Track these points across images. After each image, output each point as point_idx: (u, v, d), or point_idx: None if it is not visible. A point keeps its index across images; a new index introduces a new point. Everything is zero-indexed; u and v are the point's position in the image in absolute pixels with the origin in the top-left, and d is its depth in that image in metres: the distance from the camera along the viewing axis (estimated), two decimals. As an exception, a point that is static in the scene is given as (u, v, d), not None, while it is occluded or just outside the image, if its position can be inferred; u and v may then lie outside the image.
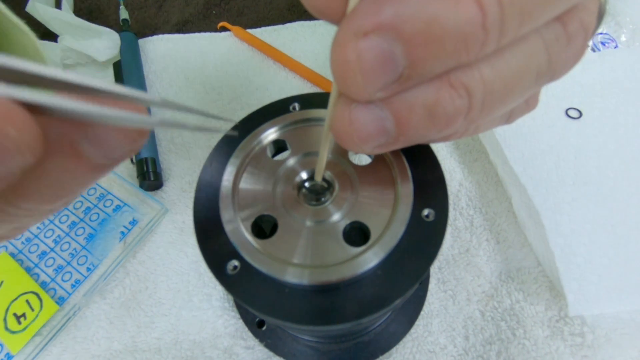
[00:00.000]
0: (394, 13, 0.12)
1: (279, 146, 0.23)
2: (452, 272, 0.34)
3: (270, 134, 0.22)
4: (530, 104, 0.19)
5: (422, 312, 0.32)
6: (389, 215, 0.19)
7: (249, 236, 0.19)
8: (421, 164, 0.21)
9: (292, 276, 0.17)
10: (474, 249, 0.35)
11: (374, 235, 0.19)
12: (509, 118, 0.19)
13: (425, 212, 0.19)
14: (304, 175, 0.21)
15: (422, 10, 0.12)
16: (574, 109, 0.37)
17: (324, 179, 0.21)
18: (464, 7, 0.12)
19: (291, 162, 0.22)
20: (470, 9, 0.12)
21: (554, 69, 0.15)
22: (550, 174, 0.33)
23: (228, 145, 0.22)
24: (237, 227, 0.19)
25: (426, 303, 0.33)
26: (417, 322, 0.32)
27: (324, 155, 0.18)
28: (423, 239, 0.19)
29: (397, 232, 0.18)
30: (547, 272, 0.32)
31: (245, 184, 0.21)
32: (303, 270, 0.17)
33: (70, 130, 0.12)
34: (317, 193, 0.21)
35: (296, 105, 0.23)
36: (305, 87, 0.47)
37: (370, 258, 0.18)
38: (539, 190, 0.32)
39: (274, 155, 0.23)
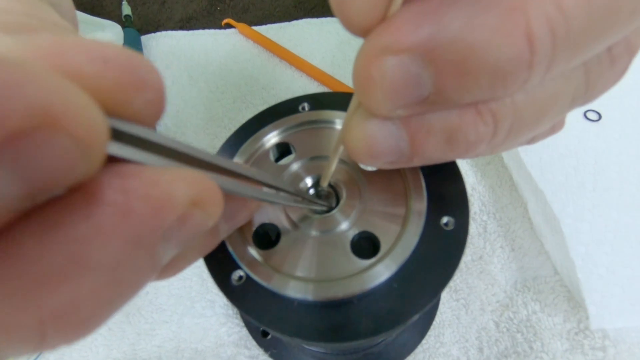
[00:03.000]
0: (430, 36, 0.10)
1: (282, 150, 0.21)
2: (464, 280, 0.33)
3: (274, 137, 0.21)
4: (556, 127, 0.17)
5: (433, 322, 0.31)
6: (401, 225, 0.18)
7: (249, 246, 0.18)
8: (436, 167, 0.19)
9: (295, 291, 0.16)
10: (487, 256, 0.34)
11: (384, 246, 0.17)
12: (531, 140, 0.18)
13: (444, 219, 0.18)
14: (309, 181, 0.20)
15: (463, 37, 0.10)
16: (593, 111, 0.36)
17: (330, 185, 0.19)
18: (511, 42, 0.10)
19: (295, 166, 0.20)
20: (518, 45, 0.10)
21: (590, 93, 0.14)
22: (569, 179, 0.32)
23: (231, 148, 0.21)
24: (236, 236, 0.18)
25: (438, 313, 0.31)
26: (428, 333, 0.30)
27: (333, 163, 0.17)
28: (442, 249, 0.17)
29: (411, 243, 0.17)
30: (566, 282, 0.31)
31: None
32: (307, 285, 0.16)
33: None
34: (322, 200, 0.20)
35: (305, 105, 0.22)
36: (312, 87, 0.45)
37: (380, 272, 0.16)
38: (558, 196, 0.31)
39: (278, 159, 0.22)
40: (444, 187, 0.19)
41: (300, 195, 0.17)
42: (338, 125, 0.21)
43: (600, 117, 0.35)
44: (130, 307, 0.33)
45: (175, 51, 0.49)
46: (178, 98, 0.46)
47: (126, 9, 0.50)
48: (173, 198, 0.09)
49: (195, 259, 0.15)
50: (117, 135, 0.09)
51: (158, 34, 0.50)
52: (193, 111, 0.45)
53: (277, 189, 0.16)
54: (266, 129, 0.21)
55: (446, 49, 0.10)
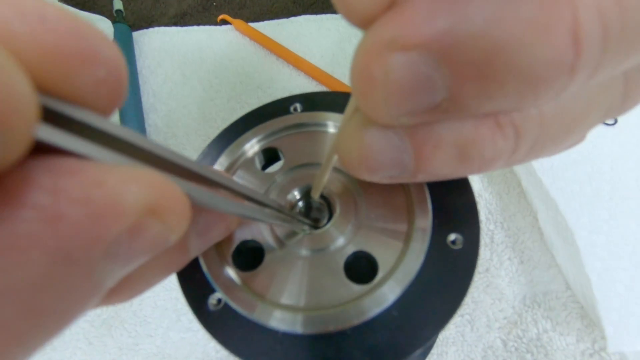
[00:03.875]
0: (448, 29, 0.08)
1: (270, 156, 0.19)
2: (469, 294, 0.31)
3: (260, 141, 0.19)
4: (578, 139, 0.15)
5: (436, 340, 0.28)
6: (402, 244, 0.16)
7: (228, 267, 0.15)
8: None
9: (281, 322, 0.14)
10: (494, 268, 0.31)
11: (383, 268, 0.15)
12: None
13: (452, 237, 0.16)
14: (298, 192, 0.18)
15: (489, 32, 0.08)
16: (608, 114, 0.34)
17: (322, 197, 0.17)
18: (551, 39, 0.08)
19: (283, 175, 0.18)
20: (561, 44, 0.08)
21: (627, 104, 0.12)
22: (583, 187, 0.30)
23: (212, 153, 0.19)
24: (213, 254, 0.16)
25: (441, 329, 0.29)
26: (431, 351, 0.28)
27: (326, 173, 0.15)
28: (449, 272, 0.15)
29: (413, 265, 0.15)
30: (580, 299, 0.28)
31: None
32: (295, 315, 0.14)
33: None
34: (313, 214, 0.17)
35: (298, 106, 0.20)
36: (310, 86, 0.43)
37: (378, 299, 0.14)
38: (571, 206, 0.29)
39: (265, 166, 0.19)
40: (451, 199, 0.17)
41: (285, 212, 0.15)
42: (332, 129, 0.19)
43: (616, 120, 0.33)
44: (113, 319, 0.31)
45: (168, 48, 0.47)
46: (170, 97, 0.44)
47: (117, 4, 0.48)
48: (121, 204, 0.08)
49: (157, 281, 0.13)
50: (54, 118, 0.07)
51: (150, 30, 0.48)
52: (185, 111, 0.43)
53: (260, 203, 0.13)
54: (252, 132, 0.19)
55: (467, 47, 0.08)
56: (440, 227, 0.16)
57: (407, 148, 0.11)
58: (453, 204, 0.17)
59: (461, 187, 0.17)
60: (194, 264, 0.16)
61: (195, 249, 0.14)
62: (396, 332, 0.14)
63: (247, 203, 0.13)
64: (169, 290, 0.32)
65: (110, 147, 0.08)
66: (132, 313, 0.31)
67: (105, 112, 0.09)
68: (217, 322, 0.15)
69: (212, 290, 0.15)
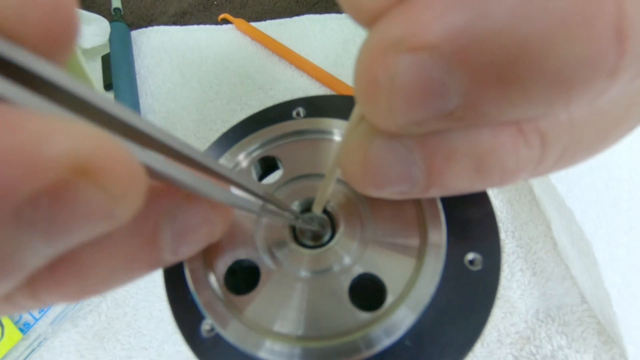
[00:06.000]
0: (464, 26, 0.07)
1: (268, 165, 0.18)
2: (480, 308, 0.29)
3: (258, 149, 0.17)
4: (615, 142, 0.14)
5: None
6: (414, 264, 0.14)
7: (219, 289, 0.14)
8: None
9: (276, 355, 0.12)
10: (505, 280, 0.30)
11: (393, 293, 0.14)
12: None
13: (470, 256, 0.14)
14: (297, 205, 0.16)
15: (513, 29, 0.07)
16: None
17: (324, 212, 0.16)
18: (589, 35, 0.07)
19: (282, 186, 0.17)
20: (601, 41, 0.07)
21: None
22: (600, 196, 0.28)
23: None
24: (202, 276, 0.14)
25: (450, 345, 0.28)
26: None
27: (329, 186, 0.13)
28: (467, 297, 0.14)
29: (427, 289, 0.13)
30: (597, 314, 0.27)
31: None
32: (292, 347, 0.12)
33: (160, 210, 0.10)
34: (314, 231, 0.16)
35: (300, 110, 0.18)
36: (313, 88, 0.42)
37: (389, 328, 0.13)
38: (588, 215, 0.27)
39: (262, 177, 0.18)
40: (467, 211, 0.15)
41: (275, 202, 0.13)
42: (337, 137, 0.17)
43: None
44: (106, 330, 0.30)
45: (167, 48, 0.46)
46: (168, 98, 0.42)
47: (116, 2, 0.46)
48: (40, 154, 0.06)
49: (118, 279, 0.10)
50: None
51: (149, 29, 0.47)
52: (184, 112, 0.41)
53: (240, 186, 0.12)
54: (249, 139, 0.17)
55: (487, 47, 0.07)
56: (456, 244, 0.15)
57: (416, 160, 0.10)
58: (469, 217, 0.15)
59: (478, 198, 0.16)
60: (184, 285, 0.14)
61: (170, 251, 0.11)
62: (409, 364, 0.13)
63: (222, 185, 0.11)
64: (165, 301, 0.31)
65: (39, 92, 0.07)
66: (125, 324, 0.30)
67: (43, 51, 0.07)
68: (211, 351, 0.13)
69: (205, 316, 0.14)
